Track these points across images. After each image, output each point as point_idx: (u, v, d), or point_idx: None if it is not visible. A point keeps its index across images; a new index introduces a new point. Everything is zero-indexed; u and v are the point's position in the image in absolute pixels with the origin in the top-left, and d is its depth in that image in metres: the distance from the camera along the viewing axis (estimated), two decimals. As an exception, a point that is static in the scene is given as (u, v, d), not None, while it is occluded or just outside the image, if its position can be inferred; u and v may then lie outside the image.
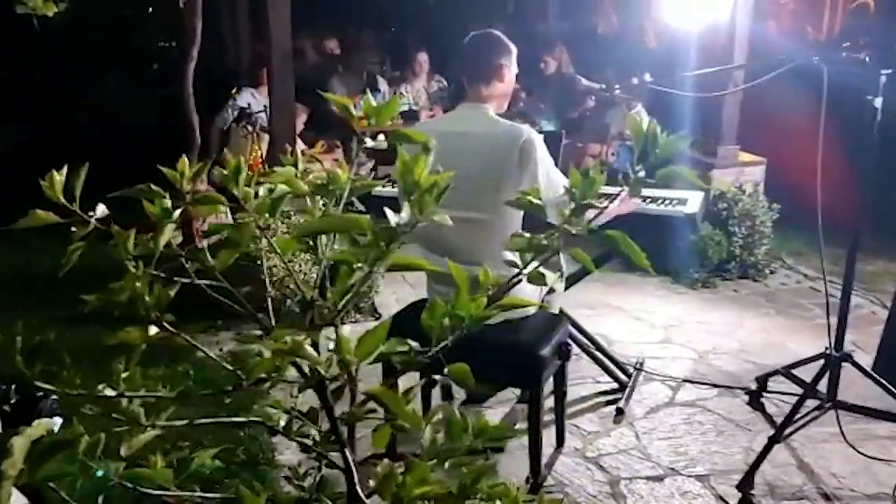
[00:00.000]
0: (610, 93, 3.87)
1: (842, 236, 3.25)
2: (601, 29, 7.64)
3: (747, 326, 4.29)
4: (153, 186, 1.15)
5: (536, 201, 2.59)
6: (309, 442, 1.09)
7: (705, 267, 4.89)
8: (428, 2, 9.54)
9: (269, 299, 1.19)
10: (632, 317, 4.42)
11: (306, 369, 1.03)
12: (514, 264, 1.17)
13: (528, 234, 1.14)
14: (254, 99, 5.92)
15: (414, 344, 1.07)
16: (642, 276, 5.03)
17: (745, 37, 4.95)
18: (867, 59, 2.56)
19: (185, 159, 1.16)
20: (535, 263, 1.18)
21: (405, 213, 0.95)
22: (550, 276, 3.19)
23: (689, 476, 2.90)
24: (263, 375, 1.02)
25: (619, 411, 3.33)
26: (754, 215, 4.95)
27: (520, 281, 1.11)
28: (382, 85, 6.67)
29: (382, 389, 0.92)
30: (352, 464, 1.06)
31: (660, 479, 2.89)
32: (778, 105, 5.67)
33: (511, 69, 2.76)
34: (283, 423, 1.10)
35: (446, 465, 1.21)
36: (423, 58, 6.63)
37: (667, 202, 3.22)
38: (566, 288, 3.45)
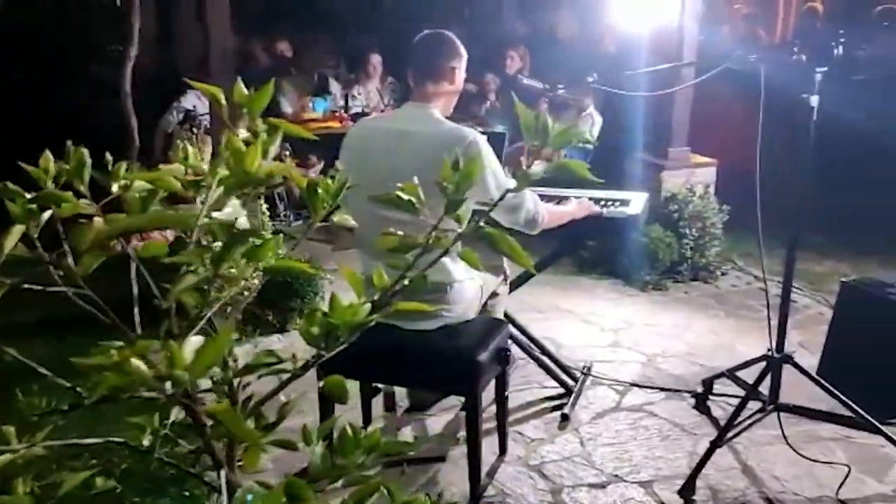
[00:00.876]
0: (553, 92, 3.83)
1: (781, 238, 3.24)
2: (560, 34, 7.62)
3: (696, 328, 4.27)
4: (10, 185, 1.05)
5: (480, 206, 2.53)
6: (175, 462, 1.00)
7: (656, 269, 4.87)
8: (384, 5, 9.48)
9: (136, 308, 1.08)
10: (581, 320, 4.38)
11: (167, 385, 0.94)
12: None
13: (399, 233, 1.05)
14: (199, 101, 5.79)
15: (286, 354, 0.98)
16: (594, 279, 5.00)
17: (694, 40, 4.94)
18: (803, 57, 2.54)
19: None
20: (430, 259, 1.10)
21: (234, 211, 0.86)
22: (492, 280, 3.13)
23: (633, 483, 2.85)
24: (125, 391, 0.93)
25: (565, 417, 3.27)
26: (705, 217, 4.94)
27: (398, 287, 1.03)
28: (334, 87, 6.57)
29: (222, 406, 0.83)
30: (223, 486, 0.97)
31: (603, 486, 2.84)
32: (728, 107, 5.69)
33: (461, 72, 2.70)
34: (146, 442, 1.01)
35: (339, 483, 1.12)
36: (376, 60, 6.55)
37: (609, 203, 3.18)
38: (511, 291, 3.40)
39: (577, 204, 3.00)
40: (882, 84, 5.50)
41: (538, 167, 1.08)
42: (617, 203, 3.18)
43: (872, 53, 6.32)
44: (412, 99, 2.67)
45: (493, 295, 3.11)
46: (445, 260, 2.60)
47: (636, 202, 3.16)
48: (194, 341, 0.81)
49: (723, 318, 4.44)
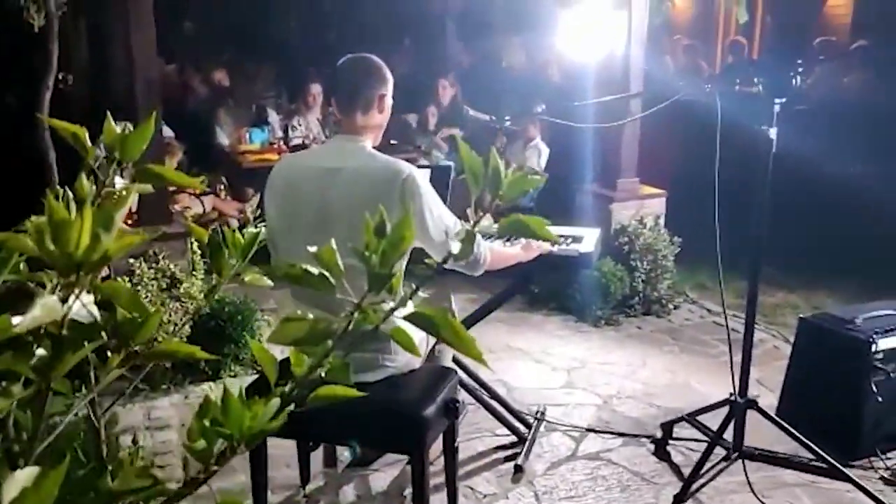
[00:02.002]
0: (500, 125, 3.70)
1: (745, 269, 3.12)
2: (505, 62, 7.54)
3: (652, 366, 4.12)
4: None
5: (418, 245, 2.30)
6: None
7: (608, 303, 4.72)
8: (328, 35, 9.30)
9: None
10: (533, 359, 4.19)
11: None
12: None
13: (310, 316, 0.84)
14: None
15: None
16: (545, 315, 4.84)
17: (640, 70, 4.86)
18: (760, 87, 2.42)
19: None
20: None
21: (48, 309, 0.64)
22: None
23: (592, 540, 2.66)
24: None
25: (518, 469, 3.06)
26: (656, 249, 4.83)
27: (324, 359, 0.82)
28: (273, 117, 6.34)
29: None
30: None
31: (561, 545, 2.63)
32: (675, 137, 5.63)
33: (389, 99, 2.47)
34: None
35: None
36: (316, 90, 6.34)
37: (561, 240, 3.01)
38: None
39: (526, 244, 2.80)
40: (821, 114, 5.51)
41: (487, 222, 0.88)
42: (569, 240, 3.01)
43: (812, 84, 6.38)
44: (341, 131, 2.46)
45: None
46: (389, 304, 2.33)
47: (589, 238, 3.00)
48: (20, 478, 0.58)
49: (678, 353, 4.30)
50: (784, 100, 2.40)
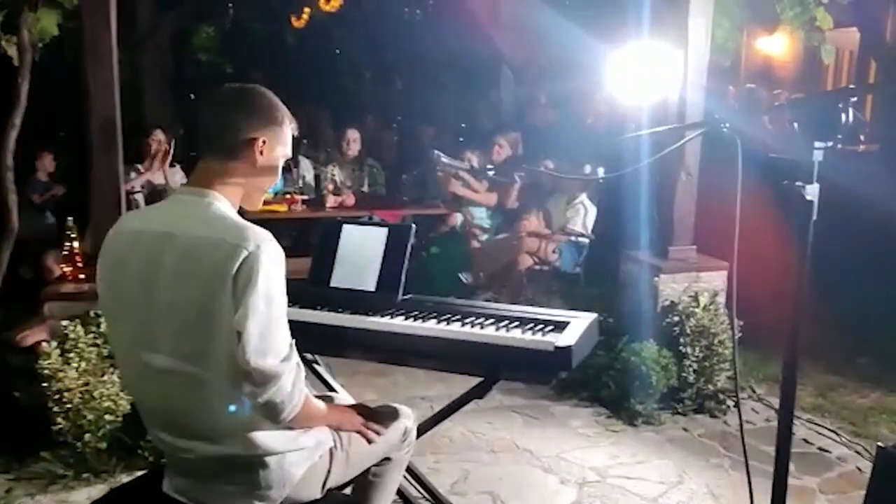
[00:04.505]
0: (482, 174, 3.08)
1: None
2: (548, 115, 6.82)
3: (690, 484, 3.25)
4: None
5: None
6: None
7: (650, 397, 3.88)
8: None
9: None
10: (542, 467, 3.39)
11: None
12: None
13: None
14: (137, 176, 5.14)
15: None
16: (573, 406, 4.04)
17: (699, 116, 4.08)
18: (795, 125, 1.66)
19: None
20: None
21: None
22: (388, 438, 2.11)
23: None
24: None
25: None
26: (712, 332, 3.96)
27: None
28: (304, 164, 5.89)
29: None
30: None
31: None
32: (744, 201, 4.76)
33: (274, 145, 1.80)
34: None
35: None
36: (353, 135, 5.85)
37: (537, 327, 2.27)
38: (423, 431, 2.48)
39: (341, 409, 2.09)
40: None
41: None
42: (548, 328, 2.27)
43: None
44: (189, 181, 1.83)
45: (386, 460, 2.18)
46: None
47: (574, 328, 2.25)
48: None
49: (727, 469, 3.41)
50: (828, 144, 1.63)
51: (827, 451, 3.58)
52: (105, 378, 3.22)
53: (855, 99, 1.59)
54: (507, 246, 5.12)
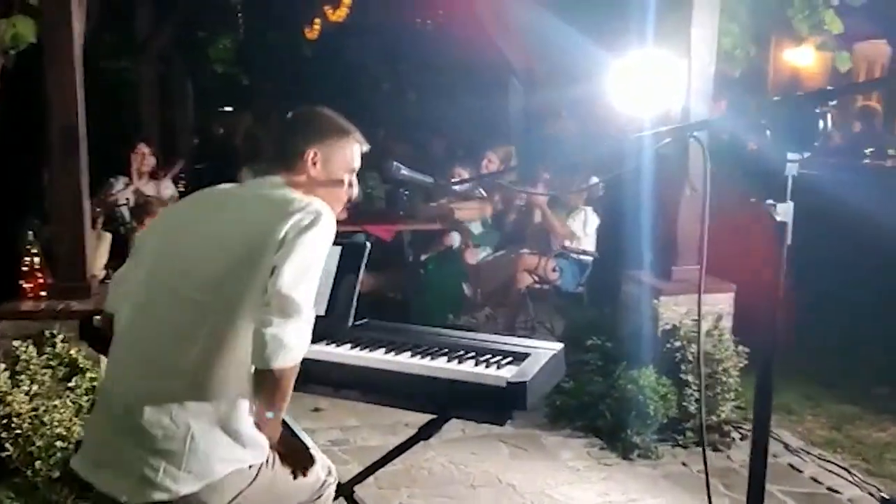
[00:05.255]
0: (446, 187, 2.86)
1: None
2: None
3: (684, 528, 2.99)
4: None
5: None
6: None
7: (648, 427, 3.61)
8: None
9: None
10: (522, 504, 3.15)
11: None
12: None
13: None
14: (126, 191, 5.01)
15: None
16: (566, 437, 3.79)
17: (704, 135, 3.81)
18: (767, 132, 1.42)
19: None
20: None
21: None
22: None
23: None
24: None
25: None
26: (716, 359, 3.69)
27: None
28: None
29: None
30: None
31: None
32: (753, 216, 4.47)
33: (329, 158, 1.94)
34: None
35: None
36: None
37: (494, 358, 2.04)
38: (374, 469, 2.26)
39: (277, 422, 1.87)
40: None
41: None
42: (505, 360, 2.04)
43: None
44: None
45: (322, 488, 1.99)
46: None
47: (533, 361, 2.02)
48: None
49: (728, 511, 3.13)
50: (803, 156, 1.38)
51: (837, 491, 3.27)
52: (58, 402, 3.04)
53: (834, 102, 1.34)
54: (504, 264, 4.89)
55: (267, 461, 1.82)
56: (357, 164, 2.02)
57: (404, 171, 2.36)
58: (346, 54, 8.98)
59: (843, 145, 7.85)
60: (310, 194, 1.89)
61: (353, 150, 1.99)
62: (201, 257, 1.80)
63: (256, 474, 1.78)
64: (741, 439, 3.72)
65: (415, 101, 9.12)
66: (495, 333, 4.68)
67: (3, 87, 3.71)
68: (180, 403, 1.69)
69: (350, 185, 2.01)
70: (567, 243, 4.77)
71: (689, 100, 3.86)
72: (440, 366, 2.02)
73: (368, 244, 2.36)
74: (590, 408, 3.84)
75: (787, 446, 3.67)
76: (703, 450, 1.99)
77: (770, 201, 1.42)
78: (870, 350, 4.58)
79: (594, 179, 4.88)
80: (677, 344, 3.75)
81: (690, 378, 3.66)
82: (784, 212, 1.39)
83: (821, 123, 1.36)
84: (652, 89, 3.87)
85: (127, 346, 1.83)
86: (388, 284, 5.24)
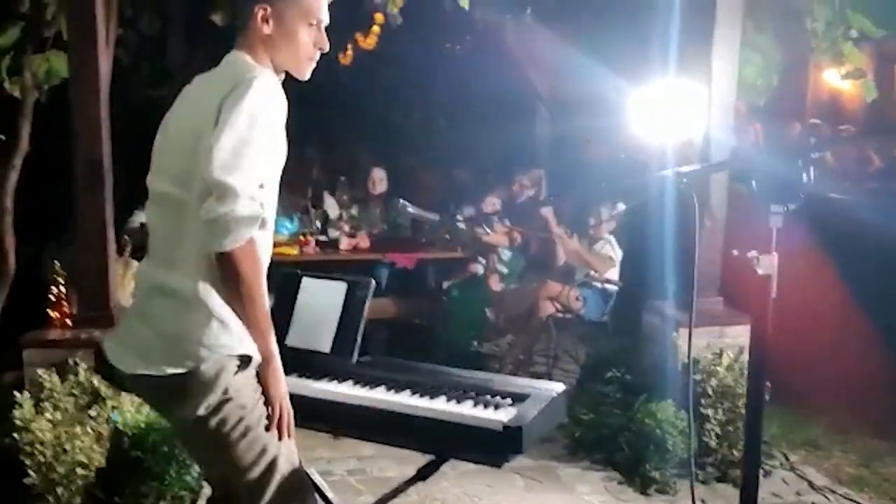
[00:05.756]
0: (451, 225, 2.88)
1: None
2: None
3: (699, 569, 2.93)
4: None
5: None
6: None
7: (666, 462, 3.56)
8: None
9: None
10: (532, 541, 3.13)
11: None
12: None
13: None
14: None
15: None
16: (584, 469, 3.76)
17: (724, 155, 3.79)
18: (753, 182, 1.40)
19: None
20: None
21: None
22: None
23: None
24: None
25: None
26: (737, 393, 3.63)
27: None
28: (329, 202, 5.80)
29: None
30: None
31: None
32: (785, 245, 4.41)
33: (283, 13, 1.84)
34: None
35: None
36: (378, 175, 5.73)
37: (491, 399, 2.04)
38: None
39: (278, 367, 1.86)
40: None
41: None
42: (504, 400, 2.04)
43: None
44: None
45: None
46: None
47: (532, 403, 2.01)
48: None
49: (744, 551, 3.06)
50: (788, 207, 1.37)
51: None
52: (79, 430, 3.11)
53: (817, 156, 1.33)
54: (528, 292, 4.88)
55: (250, 366, 1.79)
56: (322, 14, 1.90)
57: (410, 210, 2.38)
58: (378, 80, 9.07)
59: (883, 168, 7.69)
60: (267, 58, 1.85)
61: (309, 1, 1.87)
62: (170, 151, 1.84)
63: (237, 369, 1.77)
64: (764, 476, 3.65)
65: (446, 128, 9.16)
66: (518, 359, 4.78)
67: (36, 121, 3.84)
68: (180, 293, 1.76)
69: (315, 37, 1.89)
70: (591, 272, 4.75)
71: (710, 129, 3.83)
72: (438, 406, 2.03)
73: (373, 281, 2.38)
74: (608, 441, 3.80)
75: (811, 484, 3.58)
76: (692, 483, 1.96)
77: (753, 253, 1.40)
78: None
79: (621, 206, 4.88)
80: (697, 377, 3.70)
81: (710, 412, 3.61)
82: (767, 264, 1.37)
83: (804, 177, 1.35)
84: (673, 118, 3.87)
85: (149, 241, 1.92)
86: (413, 310, 5.26)
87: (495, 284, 5.21)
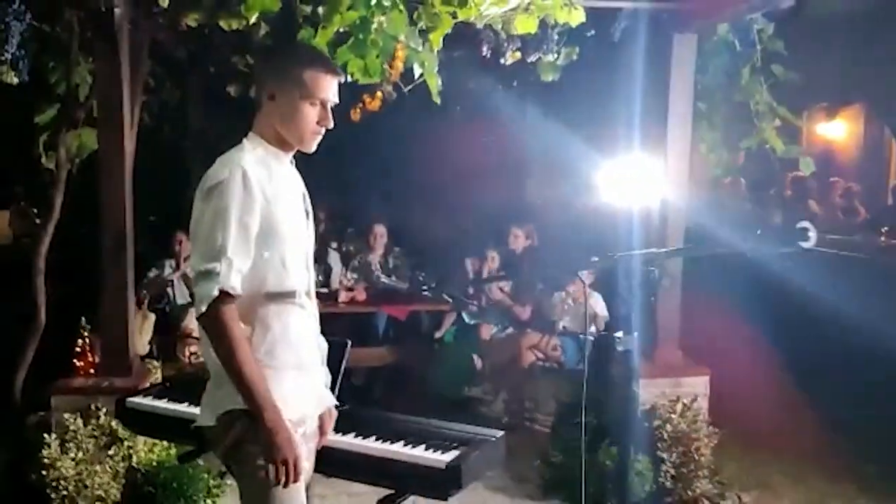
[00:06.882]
0: (429, 288, 3.27)
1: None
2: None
3: None
4: None
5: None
6: None
7: (625, 502, 3.92)
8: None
9: None
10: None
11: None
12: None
13: None
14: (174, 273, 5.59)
15: None
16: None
17: (680, 225, 4.24)
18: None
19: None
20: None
21: None
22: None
23: None
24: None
25: None
26: (692, 438, 4.00)
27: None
28: (332, 257, 6.22)
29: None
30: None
31: None
32: (724, 305, 4.81)
33: (283, 95, 2.05)
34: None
35: None
36: (380, 230, 6.16)
37: (440, 443, 2.45)
38: None
39: (281, 421, 2.03)
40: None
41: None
42: (452, 445, 2.45)
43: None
44: None
45: None
46: None
47: (473, 447, 2.42)
48: None
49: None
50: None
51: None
52: (98, 468, 3.53)
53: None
54: (510, 341, 5.29)
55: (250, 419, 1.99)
56: (325, 93, 2.03)
57: (383, 280, 2.80)
58: (384, 139, 9.49)
59: (870, 219, 7.97)
60: (271, 133, 2.06)
61: (313, 77, 2.01)
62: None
63: (246, 423, 2.00)
64: (718, 513, 4.00)
65: (448, 186, 9.50)
66: (503, 405, 5.15)
67: (69, 191, 4.31)
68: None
69: (319, 115, 2.03)
70: (564, 324, 5.16)
71: (666, 194, 4.28)
72: (396, 449, 2.44)
73: (349, 342, 2.80)
74: (576, 482, 4.16)
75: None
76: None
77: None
78: (861, 423, 4.67)
79: (594, 258, 5.27)
80: (656, 423, 4.08)
81: (665, 455, 3.98)
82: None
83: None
84: (635, 186, 4.32)
85: None
86: (407, 358, 5.66)
87: (486, 333, 5.61)
